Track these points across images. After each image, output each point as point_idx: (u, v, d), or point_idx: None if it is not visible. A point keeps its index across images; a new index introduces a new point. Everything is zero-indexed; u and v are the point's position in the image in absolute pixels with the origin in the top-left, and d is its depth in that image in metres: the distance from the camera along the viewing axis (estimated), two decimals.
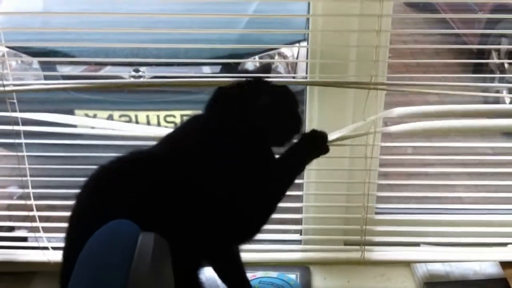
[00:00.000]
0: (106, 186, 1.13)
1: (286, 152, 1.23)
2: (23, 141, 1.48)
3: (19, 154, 1.49)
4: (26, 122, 1.47)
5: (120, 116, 2.28)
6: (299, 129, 1.26)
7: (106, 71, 2.21)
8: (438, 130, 1.42)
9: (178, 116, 2.27)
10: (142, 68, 2.23)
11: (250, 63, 2.12)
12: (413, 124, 1.41)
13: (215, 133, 1.16)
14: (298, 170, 1.26)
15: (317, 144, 1.25)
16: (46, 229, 1.57)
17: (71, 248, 1.11)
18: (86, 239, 0.94)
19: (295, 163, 1.23)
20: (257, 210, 1.17)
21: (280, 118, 1.22)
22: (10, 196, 1.69)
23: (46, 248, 1.56)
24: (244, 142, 1.16)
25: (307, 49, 1.47)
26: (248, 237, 1.20)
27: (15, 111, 1.44)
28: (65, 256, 1.13)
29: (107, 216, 0.96)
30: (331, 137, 1.32)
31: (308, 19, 1.45)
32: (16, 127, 1.46)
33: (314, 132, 1.25)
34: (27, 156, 1.50)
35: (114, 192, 1.10)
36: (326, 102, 1.47)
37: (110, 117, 2.27)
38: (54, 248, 1.55)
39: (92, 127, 1.55)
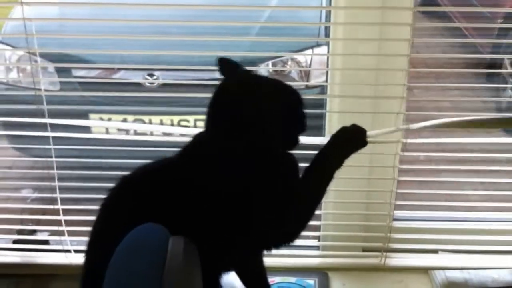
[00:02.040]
0: (131, 194, 1.13)
1: (323, 150, 1.19)
2: (52, 147, 1.50)
3: (48, 159, 1.52)
4: (54, 126, 1.49)
5: (134, 120, 2.28)
6: (303, 124, 1.19)
7: (121, 75, 2.22)
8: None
9: (192, 120, 2.28)
10: (156, 73, 2.24)
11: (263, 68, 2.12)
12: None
13: (222, 142, 1.14)
14: (336, 167, 1.18)
15: (355, 137, 1.20)
16: (70, 233, 1.59)
17: (95, 255, 1.11)
18: (112, 245, 0.94)
19: (333, 160, 1.18)
20: (292, 216, 1.15)
21: (282, 112, 1.15)
22: (35, 200, 1.71)
23: (68, 251, 1.58)
24: (250, 147, 1.12)
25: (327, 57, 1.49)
26: (284, 243, 1.18)
27: (44, 116, 1.47)
28: (88, 263, 1.13)
29: (133, 222, 0.97)
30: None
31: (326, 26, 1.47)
32: (45, 133, 1.49)
33: (351, 126, 1.21)
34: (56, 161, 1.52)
35: (138, 200, 1.10)
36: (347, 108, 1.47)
37: (124, 121, 2.27)
38: (76, 251, 1.57)
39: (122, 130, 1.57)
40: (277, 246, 1.18)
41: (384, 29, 1.38)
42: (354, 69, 1.43)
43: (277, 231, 1.15)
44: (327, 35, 1.53)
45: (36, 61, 1.56)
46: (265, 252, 1.25)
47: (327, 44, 1.55)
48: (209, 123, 1.17)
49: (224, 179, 1.10)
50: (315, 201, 1.19)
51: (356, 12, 1.37)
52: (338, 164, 1.18)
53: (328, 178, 1.18)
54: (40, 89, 1.46)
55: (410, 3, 1.34)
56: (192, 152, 1.18)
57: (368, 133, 1.21)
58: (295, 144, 1.18)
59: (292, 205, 1.13)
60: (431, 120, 1.34)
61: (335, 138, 1.20)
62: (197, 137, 1.20)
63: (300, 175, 1.18)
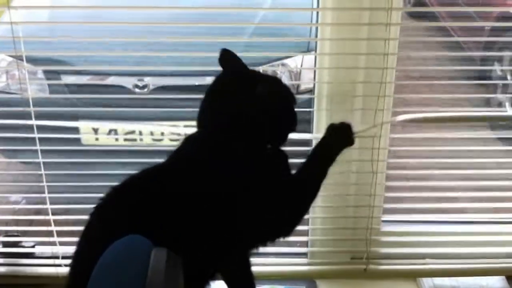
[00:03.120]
0: (115, 203, 1.13)
1: (315, 149, 1.24)
2: (41, 160, 1.51)
3: (38, 172, 1.52)
4: (44, 140, 1.50)
5: None
6: (295, 121, 1.23)
7: (111, 80, 2.21)
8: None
9: (182, 126, 2.26)
10: (146, 78, 2.23)
11: None
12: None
13: (219, 142, 1.15)
14: (328, 165, 1.21)
15: (344, 135, 1.23)
16: (61, 243, 1.59)
17: (79, 266, 1.11)
18: (95, 255, 0.94)
19: (324, 159, 1.21)
20: (290, 212, 1.17)
21: (277, 108, 1.18)
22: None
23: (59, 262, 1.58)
24: (247, 146, 1.15)
25: (315, 57, 1.49)
26: (279, 238, 1.19)
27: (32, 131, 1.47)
28: (73, 273, 1.12)
29: (116, 232, 0.97)
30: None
31: (316, 27, 1.49)
32: (34, 147, 1.49)
33: (339, 124, 1.24)
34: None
35: (121, 208, 1.11)
36: (334, 109, 1.48)
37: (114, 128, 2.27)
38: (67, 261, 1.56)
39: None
40: (272, 241, 1.19)
41: (371, 28, 1.40)
42: (343, 66, 1.45)
43: (275, 229, 1.16)
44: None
45: (23, 66, 1.56)
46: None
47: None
48: (203, 118, 1.19)
49: (224, 180, 1.11)
50: (311, 197, 1.21)
51: (343, 14, 1.39)
52: (330, 161, 1.22)
53: (322, 175, 1.21)
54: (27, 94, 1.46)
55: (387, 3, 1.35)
56: (187, 155, 1.18)
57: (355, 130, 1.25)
58: (285, 141, 1.22)
59: (290, 200, 1.16)
60: (416, 114, 1.41)
61: (325, 138, 1.23)
62: (190, 139, 1.21)
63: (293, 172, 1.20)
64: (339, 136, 1.23)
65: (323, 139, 1.24)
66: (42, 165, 1.51)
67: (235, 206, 1.10)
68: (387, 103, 1.45)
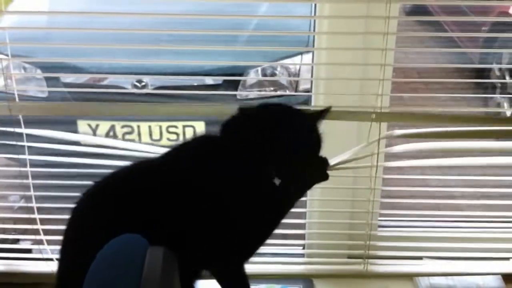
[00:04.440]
0: (110, 200, 1.12)
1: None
2: (27, 157, 1.49)
3: (23, 169, 1.51)
4: (30, 135, 1.48)
5: (123, 126, 2.28)
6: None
7: (109, 81, 2.22)
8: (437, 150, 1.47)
9: (180, 127, 2.28)
10: (145, 79, 2.24)
11: (253, 74, 2.13)
12: (414, 145, 1.45)
13: (223, 150, 1.15)
14: (296, 197, 1.21)
15: (317, 171, 1.21)
16: (49, 242, 1.58)
17: (69, 262, 1.11)
18: (88, 253, 0.94)
19: (293, 190, 1.20)
20: (254, 230, 1.16)
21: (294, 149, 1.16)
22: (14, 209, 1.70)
23: (50, 259, 1.57)
24: (249, 165, 1.13)
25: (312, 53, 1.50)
26: (243, 255, 1.19)
27: (19, 125, 1.46)
28: (62, 270, 1.12)
29: (112, 230, 0.97)
30: (333, 161, 1.31)
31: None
32: (20, 142, 1.47)
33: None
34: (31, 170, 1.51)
35: (119, 207, 1.10)
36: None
37: (112, 128, 2.27)
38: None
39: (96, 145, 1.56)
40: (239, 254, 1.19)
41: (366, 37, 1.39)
42: (339, 64, 1.43)
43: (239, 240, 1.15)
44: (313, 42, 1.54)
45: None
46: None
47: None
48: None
49: (218, 179, 1.11)
50: (273, 224, 1.19)
51: (339, 21, 1.38)
52: (299, 196, 1.22)
53: (287, 207, 1.19)
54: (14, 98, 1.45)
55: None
56: (182, 152, 1.19)
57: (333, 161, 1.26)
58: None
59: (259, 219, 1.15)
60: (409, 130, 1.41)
61: (297, 173, 1.19)
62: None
63: None
64: (314, 171, 1.21)
65: (297, 173, 1.20)
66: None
67: (228, 206, 1.10)
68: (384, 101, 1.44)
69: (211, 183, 1.11)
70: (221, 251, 1.15)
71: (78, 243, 1.10)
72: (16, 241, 1.67)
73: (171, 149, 1.22)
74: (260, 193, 1.15)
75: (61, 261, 1.13)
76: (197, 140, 1.23)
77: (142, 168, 1.17)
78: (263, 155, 1.13)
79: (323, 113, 1.21)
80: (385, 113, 1.42)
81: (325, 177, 1.21)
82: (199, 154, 1.17)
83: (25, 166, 1.51)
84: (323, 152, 1.20)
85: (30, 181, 1.52)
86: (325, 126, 1.24)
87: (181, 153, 1.20)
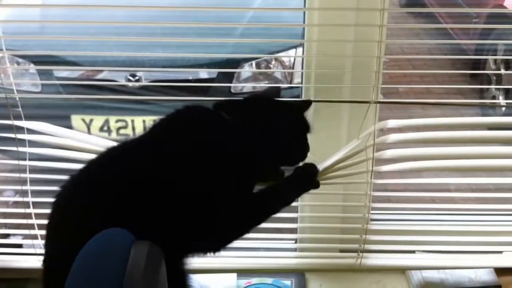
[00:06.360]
0: (83, 191, 1.11)
1: (275, 184, 1.20)
2: (27, 149, 1.48)
3: (21, 163, 1.50)
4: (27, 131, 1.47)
5: (117, 121, 2.27)
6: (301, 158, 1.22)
7: (103, 75, 2.21)
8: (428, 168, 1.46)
9: None
10: (139, 73, 2.23)
11: (247, 68, 2.12)
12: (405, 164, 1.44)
13: (210, 139, 1.14)
14: (283, 204, 1.20)
15: (307, 179, 1.22)
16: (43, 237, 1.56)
17: (53, 256, 1.11)
18: (71, 247, 0.93)
19: (280, 197, 1.19)
20: (229, 225, 1.15)
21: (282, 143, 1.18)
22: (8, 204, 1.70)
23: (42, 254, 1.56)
24: (235, 159, 1.13)
25: (302, 58, 1.48)
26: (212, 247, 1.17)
27: (17, 118, 1.45)
28: (48, 264, 1.12)
29: (98, 221, 0.97)
30: (324, 164, 1.31)
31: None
32: (18, 135, 1.46)
33: (304, 166, 1.22)
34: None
35: (91, 197, 1.09)
36: (320, 114, 1.44)
37: (107, 122, 2.27)
38: None
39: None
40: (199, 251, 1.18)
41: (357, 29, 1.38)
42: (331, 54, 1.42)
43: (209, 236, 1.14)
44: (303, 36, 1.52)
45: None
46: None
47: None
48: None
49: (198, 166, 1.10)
50: (251, 223, 1.19)
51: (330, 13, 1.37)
52: (287, 203, 1.21)
53: (272, 211, 1.19)
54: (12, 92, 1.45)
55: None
56: (153, 143, 1.16)
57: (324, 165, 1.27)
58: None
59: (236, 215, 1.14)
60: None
61: (287, 180, 1.21)
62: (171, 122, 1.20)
63: None
64: (303, 179, 1.22)
65: (287, 179, 1.22)
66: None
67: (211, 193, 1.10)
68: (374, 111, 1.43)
69: (194, 172, 1.10)
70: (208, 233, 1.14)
71: (60, 236, 1.10)
72: (6, 236, 1.66)
73: (145, 135, 1.20)
74: (242, 185, 1.15)
75: (45, 255, 1.13)
76: (177, 128, 1.19)
77: (118, 157, 1.16)
78: (250, 149, 1.14)
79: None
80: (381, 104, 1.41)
81: (315, 185, 1.22)
82: (179, 144, 1.14)
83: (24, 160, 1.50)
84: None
85: (27, 175, 1.51)
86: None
87: (160, 139, 1.17)
